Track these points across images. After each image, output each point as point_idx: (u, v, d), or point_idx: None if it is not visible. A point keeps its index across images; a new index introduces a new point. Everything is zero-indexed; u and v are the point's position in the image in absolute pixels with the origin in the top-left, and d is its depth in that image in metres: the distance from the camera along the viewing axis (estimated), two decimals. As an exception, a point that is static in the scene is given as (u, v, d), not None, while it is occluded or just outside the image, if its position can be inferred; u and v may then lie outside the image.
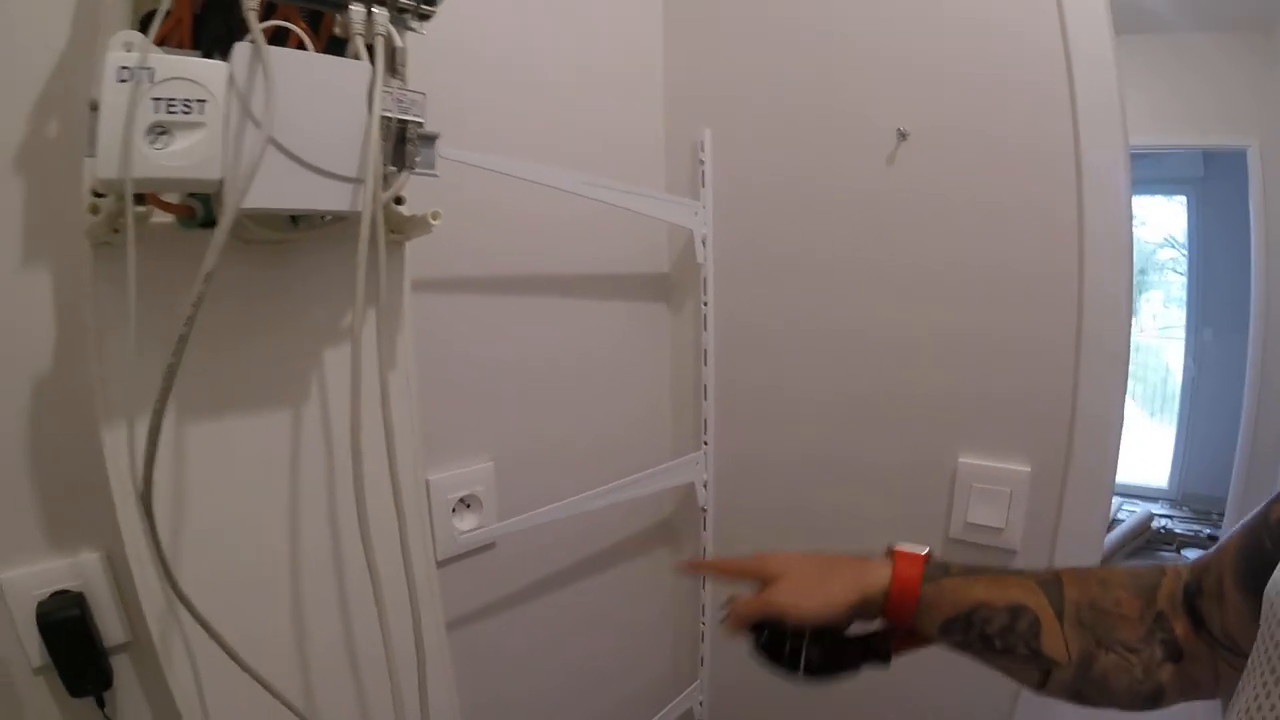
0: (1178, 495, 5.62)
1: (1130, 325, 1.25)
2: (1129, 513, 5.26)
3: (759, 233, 1.57)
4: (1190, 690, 0.69)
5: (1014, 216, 1.30)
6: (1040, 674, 0.73)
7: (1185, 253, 5.65)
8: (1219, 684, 0.67)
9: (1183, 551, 4.54)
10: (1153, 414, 6.27)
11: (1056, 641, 0.72)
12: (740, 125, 1.56)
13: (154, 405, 0.65)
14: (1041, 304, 1.29)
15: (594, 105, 1.49)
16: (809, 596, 0.80)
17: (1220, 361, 5.11)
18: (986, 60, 1.29)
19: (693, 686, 1.77)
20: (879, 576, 0.79)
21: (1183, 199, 5.54)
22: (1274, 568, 0.56)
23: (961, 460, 1.37)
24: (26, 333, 0.84)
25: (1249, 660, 0.51)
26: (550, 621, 1.52)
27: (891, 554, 0.82)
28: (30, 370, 0.85)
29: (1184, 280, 5.67)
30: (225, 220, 0.64)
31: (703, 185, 1.57)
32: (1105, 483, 1.27)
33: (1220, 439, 4.67)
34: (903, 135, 1.35)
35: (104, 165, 0.64)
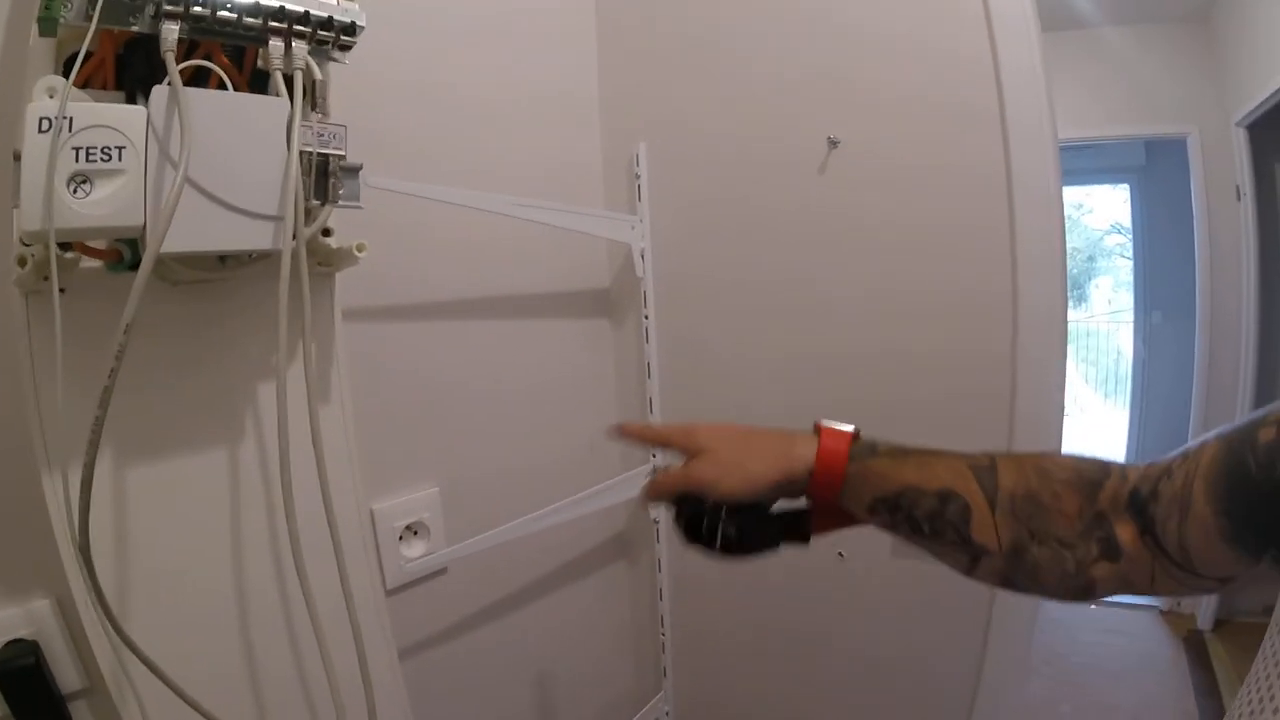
0: (1135, 471, 5.72)
1: (1065, 323, 1.29)
2: (1088, 493, 5.35)
3: (697, 246, 1.59)
4: (1122, 588, 0.68)
5: (947, 227, 1.33)
6: (969, 559, 0.72)
7: (1131, 239, 5.76)
8: (1153, 585, 0.66)
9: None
10: (1106, 396, 6.39)
11: (987, 530, 0.69)
12: (676, 141, 1.58)
13: (84, 458, 0.65)
14: (978, 309, 1.32)
15: (530, 127, 1.50)
16: (730, 473, 0.78)
17: (1170, 343, 5.21)
18: (918, 76, 1.32)
19: (657, 698, 1.79)
20: (803, 454, 0.77)
21: (1126, 187, 5.64)
22: (1257, 495, 0.54)
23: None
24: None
25: (1266, 634, 0.50)
26: (509, 643, 1.52)
27: (817, 430, 0.79)
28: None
29: (1131, 265, 5.78)
30: (144, 268, 0.64)
31: (639, 199, 1.59)
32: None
33: (1173, 418, 4.76)
34: (833, 143, 1.38)
35: (28, 218, 0.64)
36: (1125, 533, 0.66)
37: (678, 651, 1.78)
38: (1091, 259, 6.63)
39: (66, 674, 0.90)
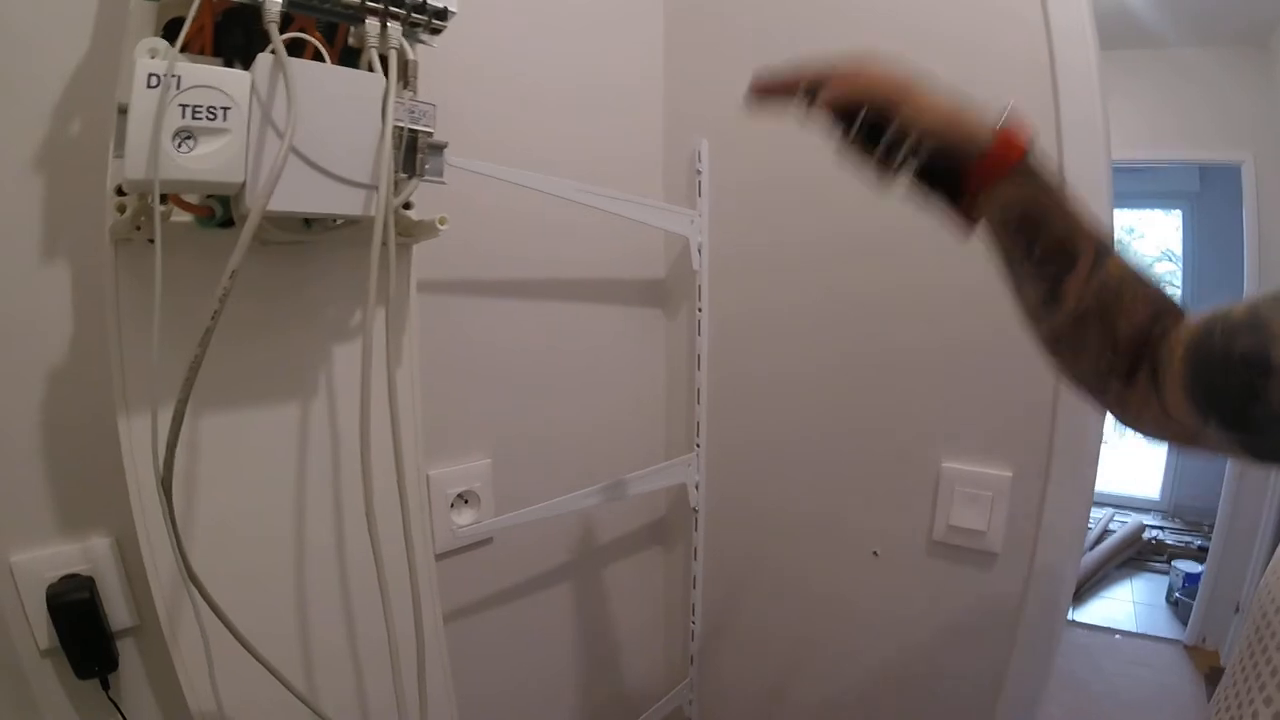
0: (1169, 507, 5.66)
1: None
2: (1121, 523, 5.29)
3: (753, 240, 1.60)
4: (1119, 409, 0.71)
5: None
6: (1043, 299, 0.72)
7: (1181, 266, 5.68)
8: (1140, 418, 0.69)
9: (1173, 562, 4.57)
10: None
11: (1074, 291, 0.69)
12: (737, 135, 1.59)
13: (179, 394, 0.68)
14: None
15: (596, 117, 1.53)
16: (934, 99, 0.72)
17: (1213, 376, 5.11)
18: (975, 81, 1.32)
19: (683, 684, 1.80)
20: (988, 122, 0.72)
21: (1179, 213, 5.57)
22: (1211, 360, 0.59)
23: (945, 465, 1.40)
24: (42, 325, 0.88)
25: (1229, 665, 0.50)
26: (544, 617, 1.55)
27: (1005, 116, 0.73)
28: (45, 361, 0.88)
29: (1180, 294, 5.69)
30: (251, 222, 0.67)
31: (699, 194, 1.61)
32: (1085, 487, 1.30)
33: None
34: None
35: (132, 166, 0.66)
36: (1145, 366, 0.68)
37: (706, 641, 1.80)
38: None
39: (118, 611, 0.95)
